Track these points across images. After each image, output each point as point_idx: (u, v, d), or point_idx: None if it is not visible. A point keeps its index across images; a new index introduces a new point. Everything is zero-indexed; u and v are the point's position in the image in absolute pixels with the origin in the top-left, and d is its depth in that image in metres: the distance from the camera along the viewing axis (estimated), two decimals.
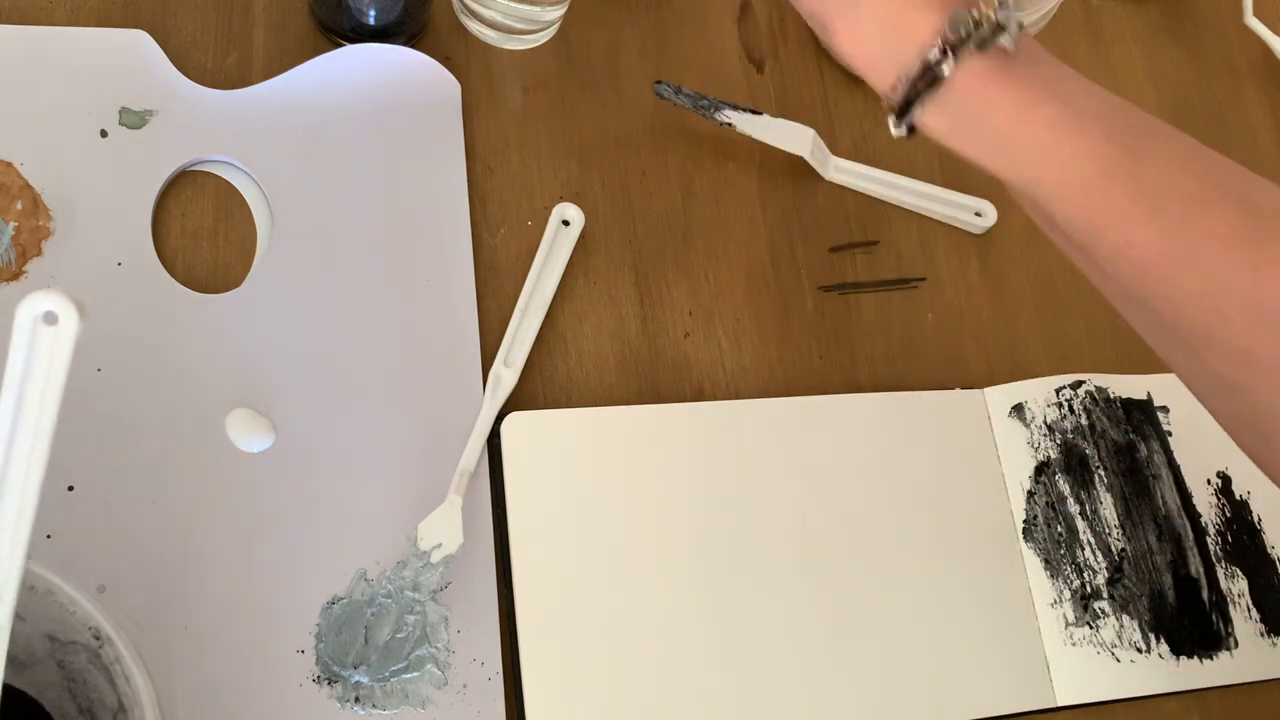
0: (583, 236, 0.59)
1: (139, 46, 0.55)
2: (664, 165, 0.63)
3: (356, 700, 0.47)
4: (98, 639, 0.38)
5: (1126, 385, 0.63)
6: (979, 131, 0.42)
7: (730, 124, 0.62)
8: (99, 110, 0.54)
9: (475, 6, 0.61)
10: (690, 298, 0.60)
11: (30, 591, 0.37)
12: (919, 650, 0.54)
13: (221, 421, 0.50)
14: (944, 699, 0.53)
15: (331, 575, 0.49)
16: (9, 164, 0.52)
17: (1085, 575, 0.58)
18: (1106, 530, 0.59)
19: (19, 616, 0.35)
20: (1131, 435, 0.62)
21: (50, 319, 0.33)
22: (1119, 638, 0.57)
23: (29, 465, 0.34)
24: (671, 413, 0.56)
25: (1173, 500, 0.61)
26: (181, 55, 0.57)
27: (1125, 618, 0.58)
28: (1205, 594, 0.60)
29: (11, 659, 0.35)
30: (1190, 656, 0.58)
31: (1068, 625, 0.57)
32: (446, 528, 0.50)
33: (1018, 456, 0.60)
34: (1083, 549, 0.59)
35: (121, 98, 0.54)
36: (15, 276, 0.50)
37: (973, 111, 0.42)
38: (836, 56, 0.44)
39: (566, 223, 0.58)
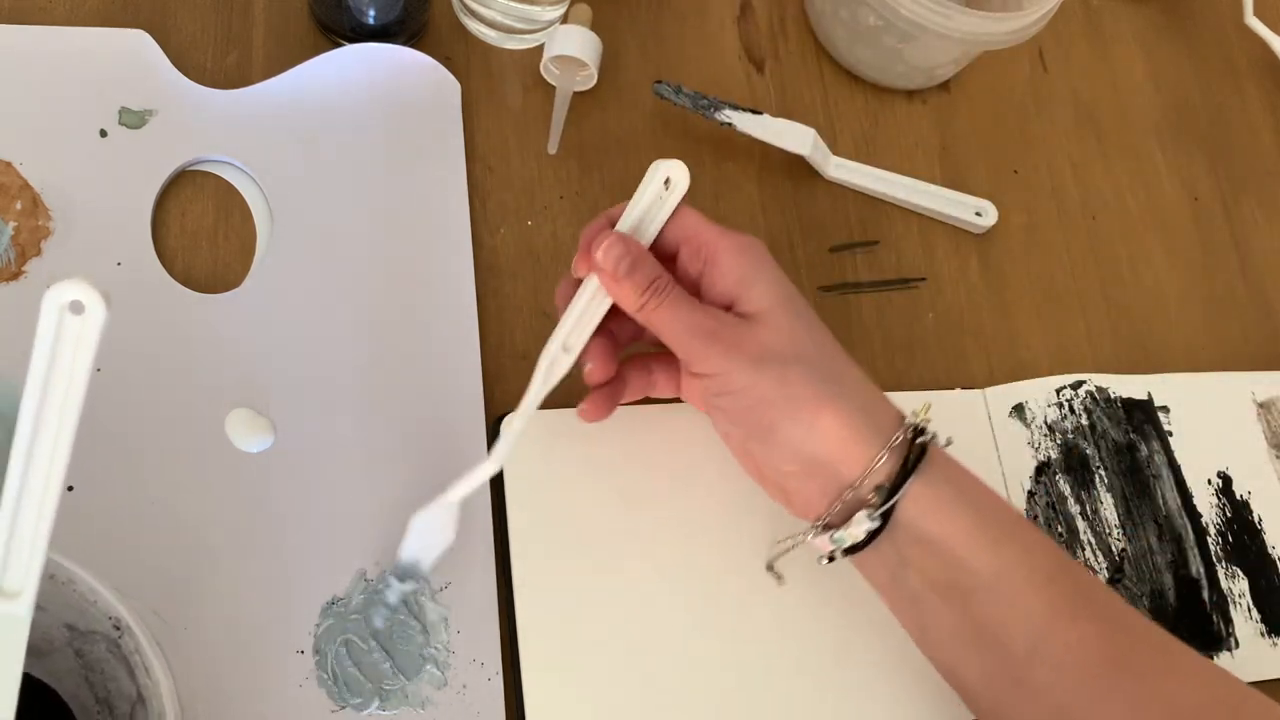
0: None
1: (139, 46, 0.55)
2: None
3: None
4: (118, 629, 0.38)
5: (1127, 385, 0.63)
6: (956, 506, 0.46)
7: (730, 124, 0.62)
8: (99, 110, 0.54)
9: (475, 6, 0.61)
10: None
11: (50, 580, 0.37)
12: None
13: (221, 421, 0.50)
14: (946, 701, 0.53)
15: (331, 575, 0.49)
16: (9, 164, 0.52)
17: None
18: (1107, 530, 0.59)
19: (39, 605, 0.35)
20: (1132, 435, 0.62)
21: (76, 308, 0.33)
22: None
23: (54, 455, 0.34)
24: (672, 412, 0.56)
25: (1173, 500, 0.61)
26: (181, 55, 0.57)
27: None
28: (1206, 594, 0.60)
29: (30, 647, 0.35)
30: None
31: None
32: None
33: (1018, 456, 0.60)
34: (1083, 549, 0.59)
35: (121, 97, 0.54)
36: (15, 276, 0.50)
37: (951, 481, 0.46)
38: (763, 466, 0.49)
39: (667, 182, 0.48)
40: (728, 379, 0.46)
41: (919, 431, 0.46)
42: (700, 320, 0.46)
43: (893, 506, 0.45)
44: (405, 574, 0.48)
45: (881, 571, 0.48)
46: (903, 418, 0.47)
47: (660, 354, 0.51)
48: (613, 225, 0.48)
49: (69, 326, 0.33)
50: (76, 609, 0.38)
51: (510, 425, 0.47)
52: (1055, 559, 0.47)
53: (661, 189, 0.48)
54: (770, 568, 0.52)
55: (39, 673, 0.41)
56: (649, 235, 0.48)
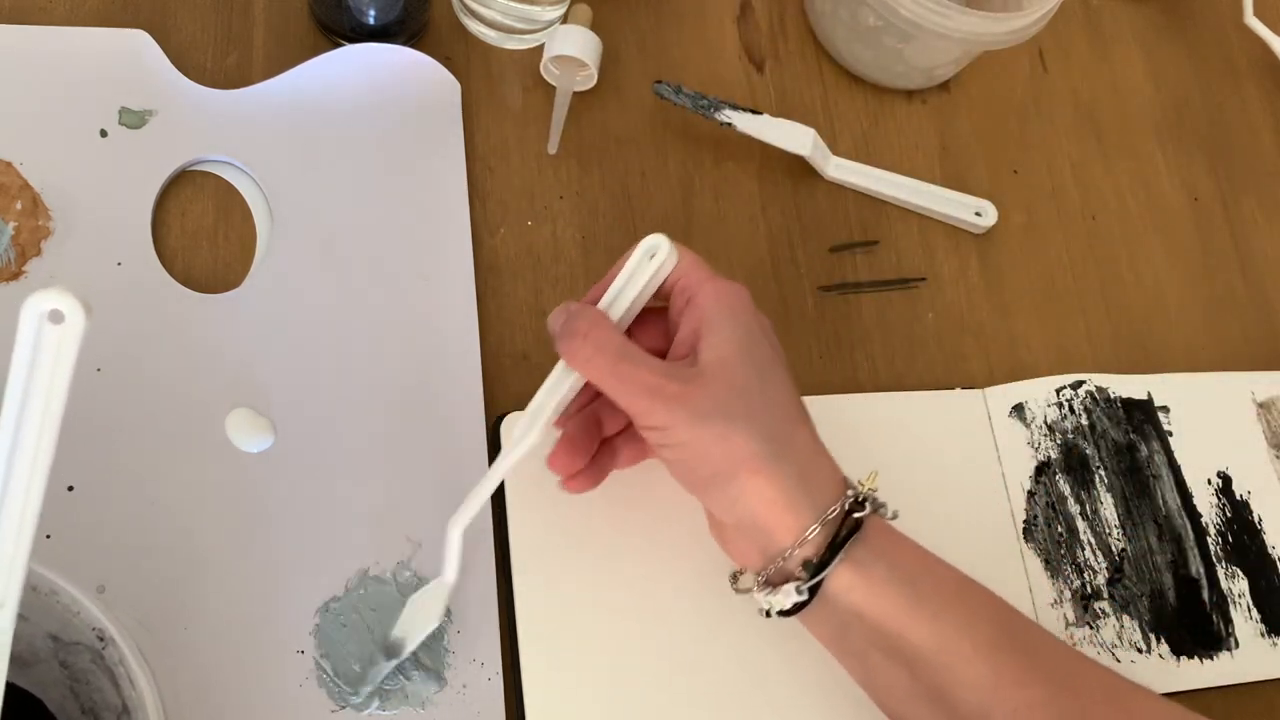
0: (582, 236, 0.59)
1: (139, 46, 0.55)
2: (664, 165, 0.63)
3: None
4: (101, 640, 0.38)
5: (1127, 385, 0.63)
6: (889, 584, 0.45)
7: (730, 124, 0.62)
8: (99, 110, 0.54)
9: (475, 6, 0.61)
10: None
11: (33, 592, 0.37)
12: None
13: (221, 421, 0.50)
14: None
15: (332, 575, 0.49)
16: (9, 164, 0.52)
17: (1085, 575, 0.58)
18: (1107, 530, 0.59)
19: (21, 616, 0.35)
20: (1132, 435, 0.62)
21: (56, 317, 0.33)
22: (1119, 638, 0.57)
23: (34, 465, 0.34)
24: None
25: (1173, 500, 0.61)
26: (181, 55, 0.57)
27: (1125, 618, 0.58)
28: (1205, 594, 0.60)
29: (14, 657, 0.35)
30: (1190, 656, 0.58)
31: (1068, 625, 0.57)
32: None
33: (1018, 456, 0.60)
34: (1083, 549, 0.59)
35: (121, 97, 0.54)
36: (15, 276, 0.50)
37: (884, 557, 0.45)
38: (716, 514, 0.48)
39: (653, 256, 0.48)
40: (670, 433, 0.45)
41: (858, 504, 0.45)
42: (638, 374, 0.45)
43: (820, 582, 0.45)
44: (391, 651, 0.47)
45: (823, 630, 0.47)
46: (845, 487, 0.46)
47: None
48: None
49: (48, 335, 0.33)
50: (60, 620, 0.38)
51: (477, 490, 0.48)
52: (999, 623, 0.46)
53: (645, 261, 0.47)
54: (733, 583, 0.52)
55: (25, 683, 0.41)
56: (626, 302, 0.47)
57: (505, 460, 0.48)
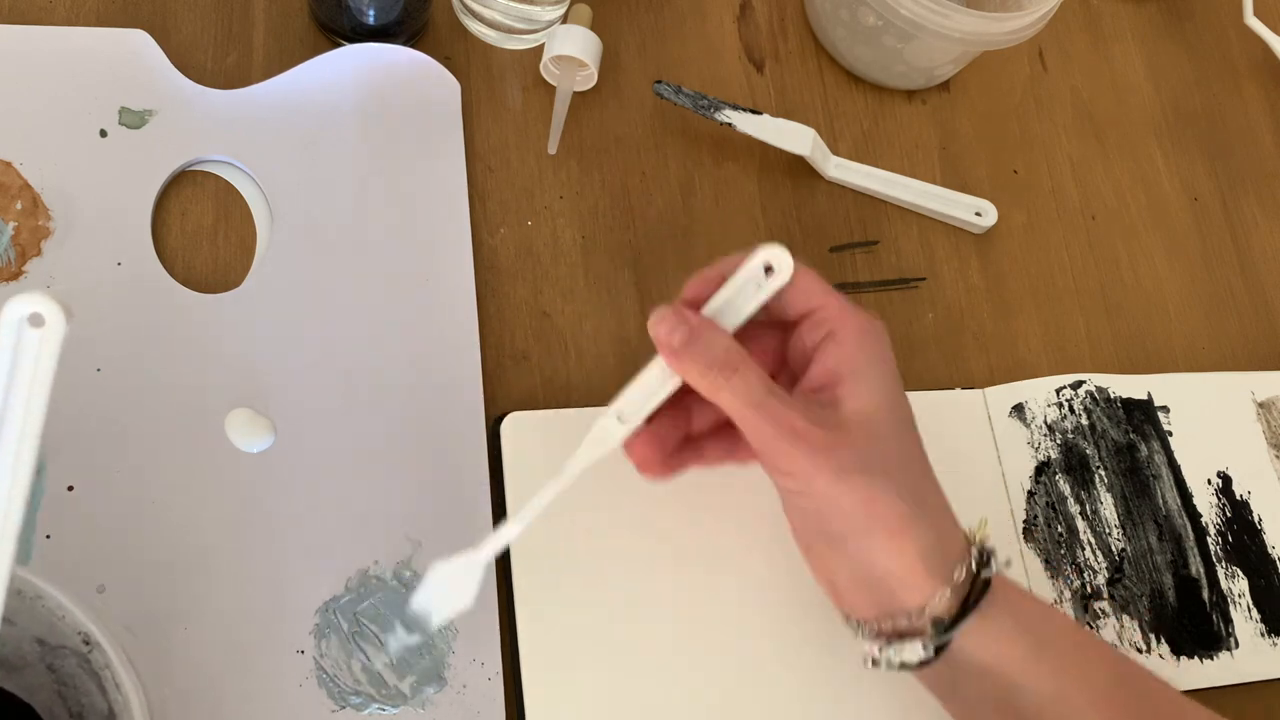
0: (582, 236, 0.59)
1: (139, 46, 0.55)
2: (664, 165, 0.63)
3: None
4: (87, 644, 0.38)
5: (1127, 385, 0.63)
6: (1013, 636, 0.45)
7: (730, 124, 0.62)
8: (99, 110, 0.54)
9: (475, 6, 0.61)
10: None
11: (18, 596, 0.37)
12: None
13: (221, 421, 0.50)
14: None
15: (332, 574, 0.49)
16: (9, 164, 0.52)
17: (1086, 575, 0.58)
18: (1107, 530, 0.59)
19: (8, 620, 0.35)
20: (1132, 435, 0.62)
21: (36, 321, 0.33)
22: (1119, 638, 0.57)
23: (15, 470, 0.33)
24: None
25: (1173, 500, 0.61)
26: (181, 55, 0.57)
27: (1125, 618, 0.58)
28: (1205, 594, 0.60)
29: (1, 662, 0.35)
30: (1190, 656, 0.58)
31: None
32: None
33: (1018, 456, 0.60)
34: (1083, 549, 0.59)
35: (121, 97, 0.54)
36: (15, 276, 0.50)
37: (1008, 611, 0.45)
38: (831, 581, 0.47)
39: (769, 269, 0.45)
40: (809, 482, 0.43)
41: (982, 562, 0.45)
42: (783, 415, 0.43)
43: (947, 642, 0.44)
44: (412, 625, 0.46)
45: (937, 682, 0.47)
46: (968, 543, 0.45)
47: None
48: (723, 278, 0.45)
49: (29, 339, 0.33)
50: (46, 624, 0.38)
51: (545, 487, 0.45)
52: (1114, 671, 0.46)
53: (760, 275, 0.44)
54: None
55: (13, 687, 0.41)
56: (736, 317, 0.45)
57: (588, 452, 0.45)
